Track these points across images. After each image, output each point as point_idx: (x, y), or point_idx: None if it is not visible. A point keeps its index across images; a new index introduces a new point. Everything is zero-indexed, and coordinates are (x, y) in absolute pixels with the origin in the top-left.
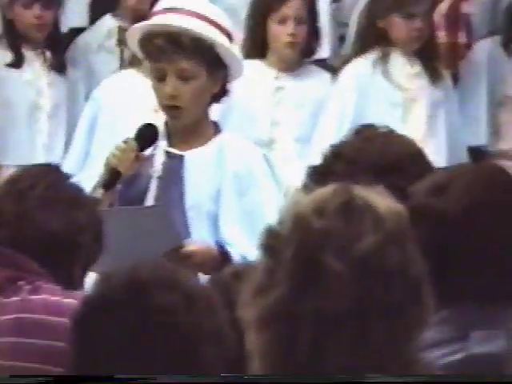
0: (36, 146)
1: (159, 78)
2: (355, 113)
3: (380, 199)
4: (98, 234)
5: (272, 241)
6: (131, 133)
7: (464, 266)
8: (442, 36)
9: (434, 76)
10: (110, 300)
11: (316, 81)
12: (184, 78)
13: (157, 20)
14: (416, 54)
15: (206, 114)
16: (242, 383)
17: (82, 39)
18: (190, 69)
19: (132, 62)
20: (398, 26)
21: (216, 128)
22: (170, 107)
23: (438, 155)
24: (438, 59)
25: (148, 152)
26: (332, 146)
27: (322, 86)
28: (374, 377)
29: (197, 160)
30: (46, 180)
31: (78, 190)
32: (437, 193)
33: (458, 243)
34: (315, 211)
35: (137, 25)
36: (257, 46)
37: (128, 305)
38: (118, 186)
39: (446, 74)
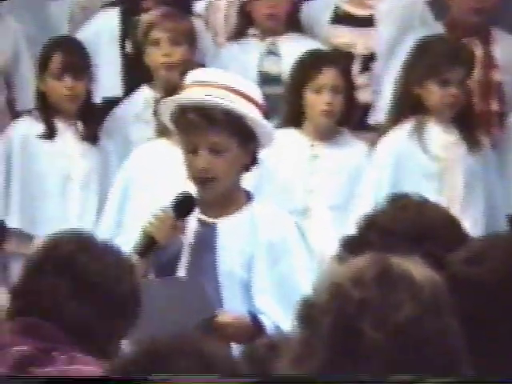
0: (68, 216)
1: (191, 150)
2: (391, 186)
3: (416, 268)
4: (136, 305)
5: (308, 311)
6: (165, 202)
7: (502, 335)
8: (475, 103)
9: (472, 144)
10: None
11: (352, 150)
12: (216, 151)
13: (189, 94)
14: (453, 122)
15: (237, 183)
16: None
17: (119, 110)
18: (221, 142)
19: (163, 132)
20: (434, 92)
21: (247, 196)
22: (203, 179)
23: (475, 225)
24: (476, 127)
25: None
26: (366, 215)
27: (358, 154)
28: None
29: (229, 228)
30: (90, 248)
31: (121, 259)
32: (473, 262)
33: (495, 312)
34: (352, 281)
35: (169, 99)
36: (293, 115)
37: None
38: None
39: (485, 141)
